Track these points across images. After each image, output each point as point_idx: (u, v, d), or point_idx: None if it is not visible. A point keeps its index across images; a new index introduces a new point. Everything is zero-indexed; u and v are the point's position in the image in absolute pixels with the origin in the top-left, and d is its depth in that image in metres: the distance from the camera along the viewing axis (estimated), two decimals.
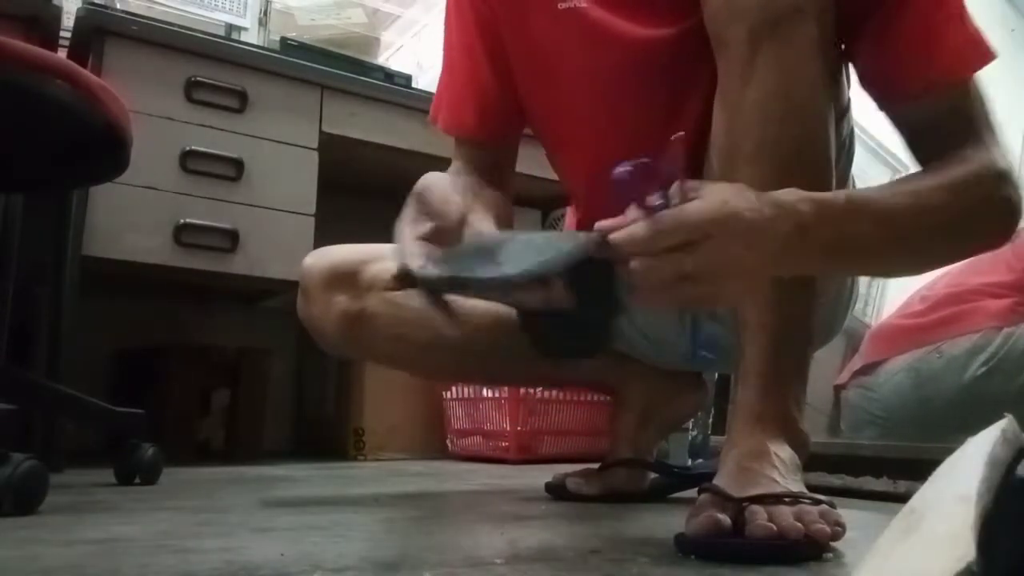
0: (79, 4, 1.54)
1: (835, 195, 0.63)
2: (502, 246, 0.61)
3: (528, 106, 0.94)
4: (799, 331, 0.69)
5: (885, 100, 0.73)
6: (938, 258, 0.73)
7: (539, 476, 1.13)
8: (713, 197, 0.54)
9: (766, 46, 0.63)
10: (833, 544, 0.60)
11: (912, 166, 0.72)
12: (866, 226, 0.60)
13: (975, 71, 0.70)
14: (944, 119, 0.69)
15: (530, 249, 0.58)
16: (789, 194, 0.58)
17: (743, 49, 0.64)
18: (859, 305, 2.48)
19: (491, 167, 0.96)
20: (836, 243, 0.59)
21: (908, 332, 1.77)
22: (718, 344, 0.96)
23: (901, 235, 0.63)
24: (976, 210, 0.67)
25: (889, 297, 2.55)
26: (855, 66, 0.75)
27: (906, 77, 0.71)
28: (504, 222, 0.78)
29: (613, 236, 0.53)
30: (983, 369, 1.63)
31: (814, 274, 0.68)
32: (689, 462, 1.54)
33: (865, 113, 0.78)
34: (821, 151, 0.66)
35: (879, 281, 2.60)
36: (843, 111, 0.77)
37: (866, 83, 0.74)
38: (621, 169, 0.55)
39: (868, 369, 1.82)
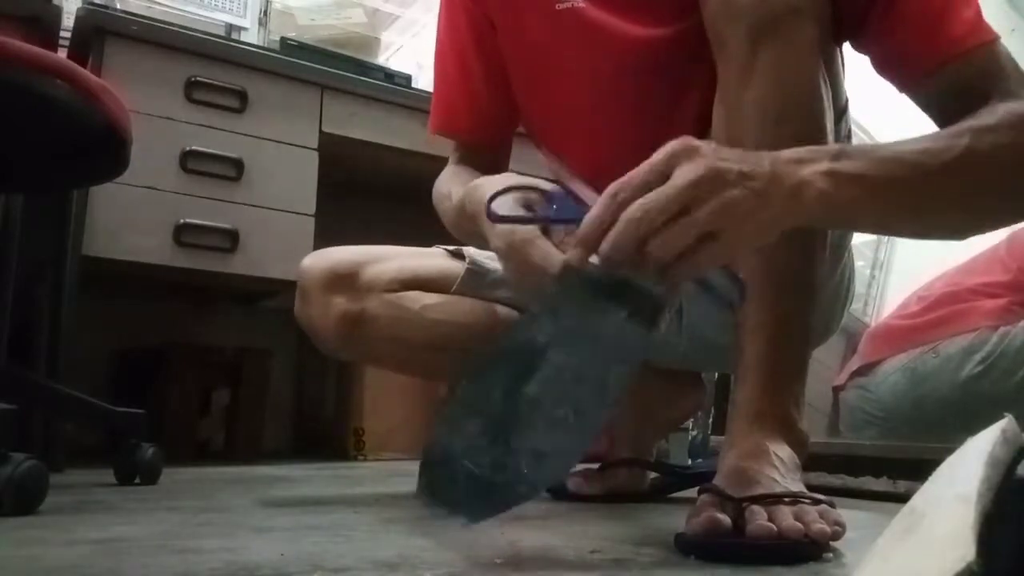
0: (79, 4, 1.54)
1: (826, 148, 0.59)
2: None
3: (525, 107, 0.94)
4: (797, 330, 0.69)
5: (904, 83, 0.71)
6: (981, 212, 0.64)
7: None
8: (696, 159, 0.52)
9: (765, 46, 0.64)
10: (833, 544, 0.60)
11: None
12: (877, 171, 0.57)
13: (986, 39, 0.67)
14: (968, 88, 0.66)
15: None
16: (774, 155, 0.56)
17: (742, 49, 0.64)
18: (858, 305, 2.49)
19: (486, 168, 0.97)
20: (844, 174, 0.56)
21: (904, 332, 1.78)
22: (708, 342, 0.96)
23: (923, 179, 0.58)
24: (1015, 157, 0.61)
25: (888, 297, 2.55)
26: (869, 56, 0.73)
27: (920, 55, 0.68)
28: None
29: (609, 244, 0.51)
30: (979, 368, 1.64)
31: (840, 220, 0.62)
32: (689, 462, 1.54)
33: (865, 113, 0.78)
34: None
35: (879, 281, 2.61)
36: (841, 110, 0.77)
37: (883, 70, 0.72)
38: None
39: (865, 370, 1.82)
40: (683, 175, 0.51)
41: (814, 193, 0.54)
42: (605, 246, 0.51)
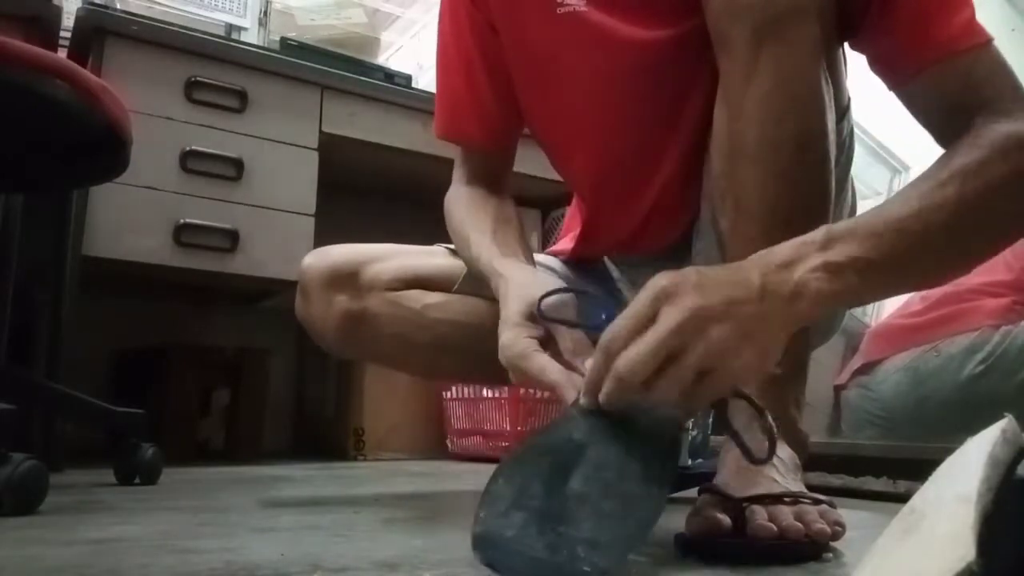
0: (79, 4, 1.54)
1: (812, 238, 0.56)
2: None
3: (528, 110, 0.94)
4: (797, 330, 0.69)
5: (894, 81, 0.70)
6: (983, 249, 0.64)
7: None
8: (677, 302, 0.51)
9: (768, 45, 0.63)
10: (833, 544, 0.60)
11: (916, 161, 0.69)
12: (870, 252, 0.55)
13: (977, 42, 0.66)
14: (955, 92, 0.66)
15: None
16: (763, 262, 0.55)
17: (745, 48, 0.64)
18: None
19: (493, 171, 0.97)
20: (845, 283, 0.55)
21: (906, 331, 1.77)
22: None
23: (920, 244, 0.58)
24: (1007, 187, 0.60)
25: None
26: (864, 53, 0.73)
27: (909, 54, 0.68)
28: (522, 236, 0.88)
29: (604, 397, 0.53)
30: (981, 367, 1.63)
31: (842, 307, 0.63)
32: (689, 462, 1.53)
33: (865, 113, 0.77)
34: (822, 150, 0.66)
35: None
36: (843, 111, 0.77)
37: (875, 67, 0.72)
38: (548, 300, 0.59)
39: (867, 369, 1.82)
40: (665, 321, 0.51)
41: (811, 296, 0.54)
42: (602, 399, 0.53)
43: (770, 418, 0.53)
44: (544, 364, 0.64)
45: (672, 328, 0.50)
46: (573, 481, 0.53)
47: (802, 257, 0.55)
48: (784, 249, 0.56)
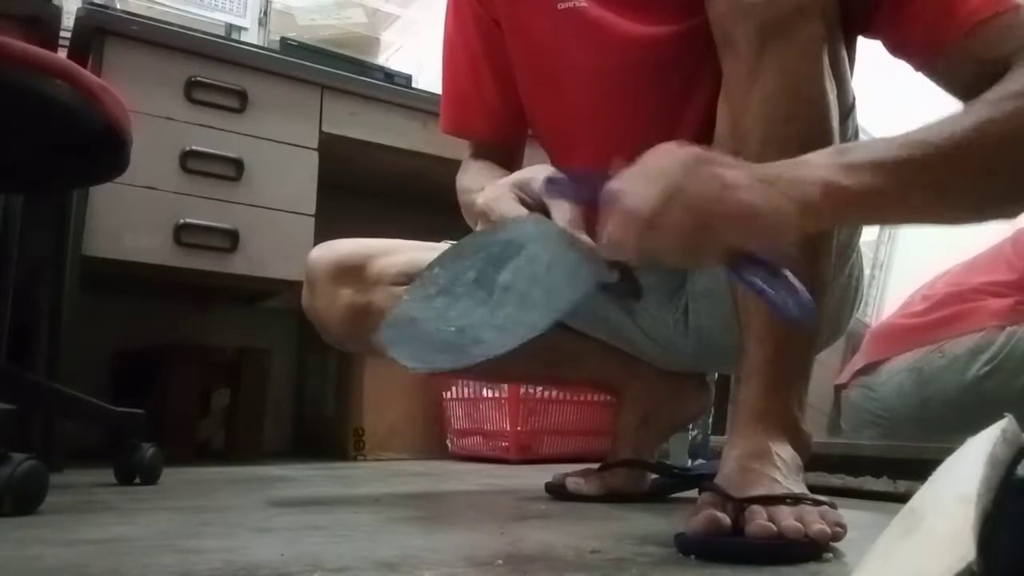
0: (79, 4, 1.54)
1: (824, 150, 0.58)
2: (504, 272, 0.58)
3: (530, 107, 0.94)
4: (801, 331, 0.69)
5: (923, 60, 0.69)
6: (1004, 189, 0.59)
7: (539, 476, 1.13)
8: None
9: (772, 45, 0.63)
10: (833, 544, 0.60)
11: None
12: (884, 156, 0.55)
13: (1006, 7, 0.64)
14: (992, 59, 0.63)
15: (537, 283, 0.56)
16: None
17: (749, 48, 0.64)
18: None
19: (502, 165, 0.98)
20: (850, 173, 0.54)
21: (909, 332, 1.77)
22: (715, 343, 0.96)
23: (939, 160, 0.55)
24: None
25: (889, 297, 2.55)
26: (883, 39, 0.72)
27: (938, 30, 0.66)
28: None
29: (606, 246, 0.55)
30: (985, 369, 1.63)
31: (859, 213, 0.60)
32: (689, 462, 1.54)
33: (870, 112, 0.77)
34: None
35: (879, 281, 2.61)
36: (848, 110, 0.77)
37: (899, 51, 0.71)
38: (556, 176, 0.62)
39: (869, 369, 1.81)
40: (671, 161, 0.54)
41: (820, 183, 0.53)
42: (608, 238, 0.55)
43: (789, 274, 0.52)
44: (512, 207, 0.66)
45: (676, 166, 0.53)
46: (504, 274, 0.56)
47: (813, 156, 0.56)
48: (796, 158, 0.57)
